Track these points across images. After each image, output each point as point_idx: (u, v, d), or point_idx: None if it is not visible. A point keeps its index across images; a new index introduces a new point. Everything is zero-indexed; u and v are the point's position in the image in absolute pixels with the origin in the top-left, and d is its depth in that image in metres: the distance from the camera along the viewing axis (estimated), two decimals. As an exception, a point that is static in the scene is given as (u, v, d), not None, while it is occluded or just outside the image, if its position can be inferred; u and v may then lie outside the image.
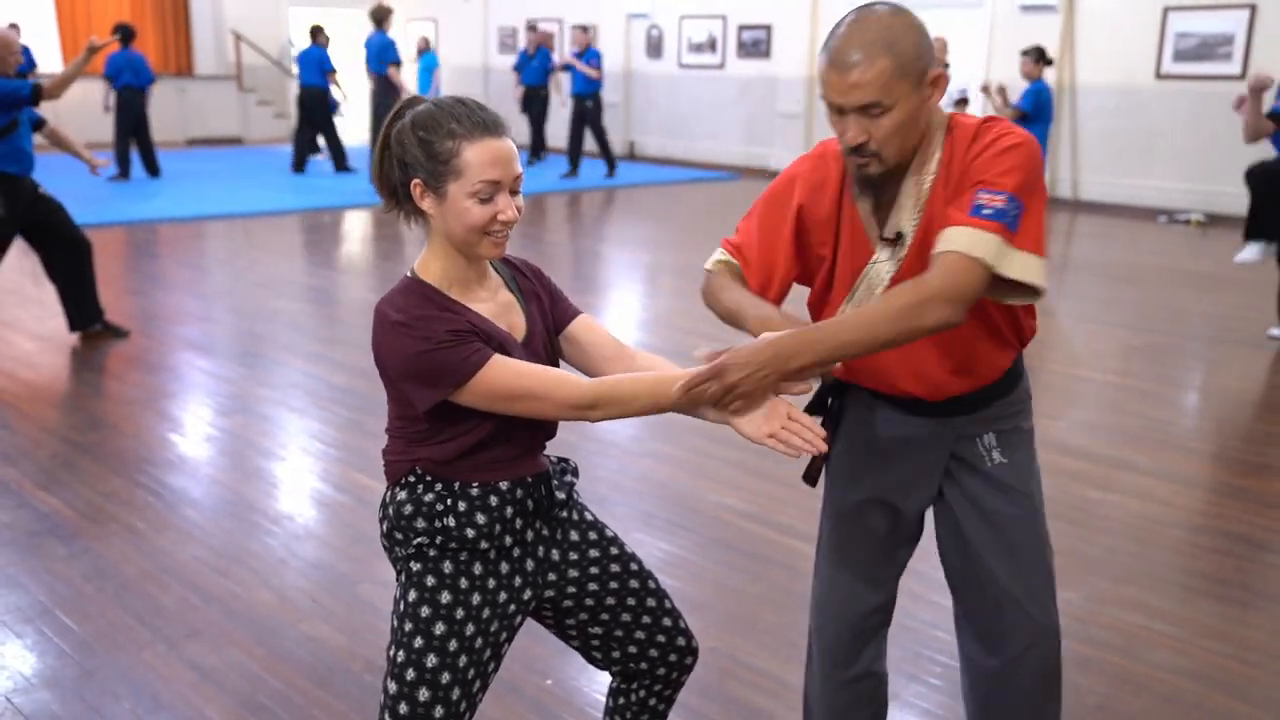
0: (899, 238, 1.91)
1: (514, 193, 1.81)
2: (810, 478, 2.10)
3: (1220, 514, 3.99)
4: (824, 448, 1.72)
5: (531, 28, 15.26)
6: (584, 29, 14.39)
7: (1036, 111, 8.43)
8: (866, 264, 1.94)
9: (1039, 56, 8.64)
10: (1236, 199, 11.16)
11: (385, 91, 12.43)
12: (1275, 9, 10.80)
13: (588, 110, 14.08)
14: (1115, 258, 9.02)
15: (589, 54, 14.00)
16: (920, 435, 2.05)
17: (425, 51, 16.23)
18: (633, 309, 7.36)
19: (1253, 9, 10.91)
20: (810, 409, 2.10)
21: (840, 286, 1.99)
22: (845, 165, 1.93)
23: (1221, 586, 3.44)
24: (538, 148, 15.37)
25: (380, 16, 12.66)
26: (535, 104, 15.01)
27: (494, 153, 1.76)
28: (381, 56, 12.45)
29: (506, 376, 1.78)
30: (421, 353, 1.76)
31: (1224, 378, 5.91)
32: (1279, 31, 10.80)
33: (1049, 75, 12.19)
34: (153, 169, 13.20)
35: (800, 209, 1.99)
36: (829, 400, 2.12)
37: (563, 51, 16.12)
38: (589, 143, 14.61)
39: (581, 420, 1.82)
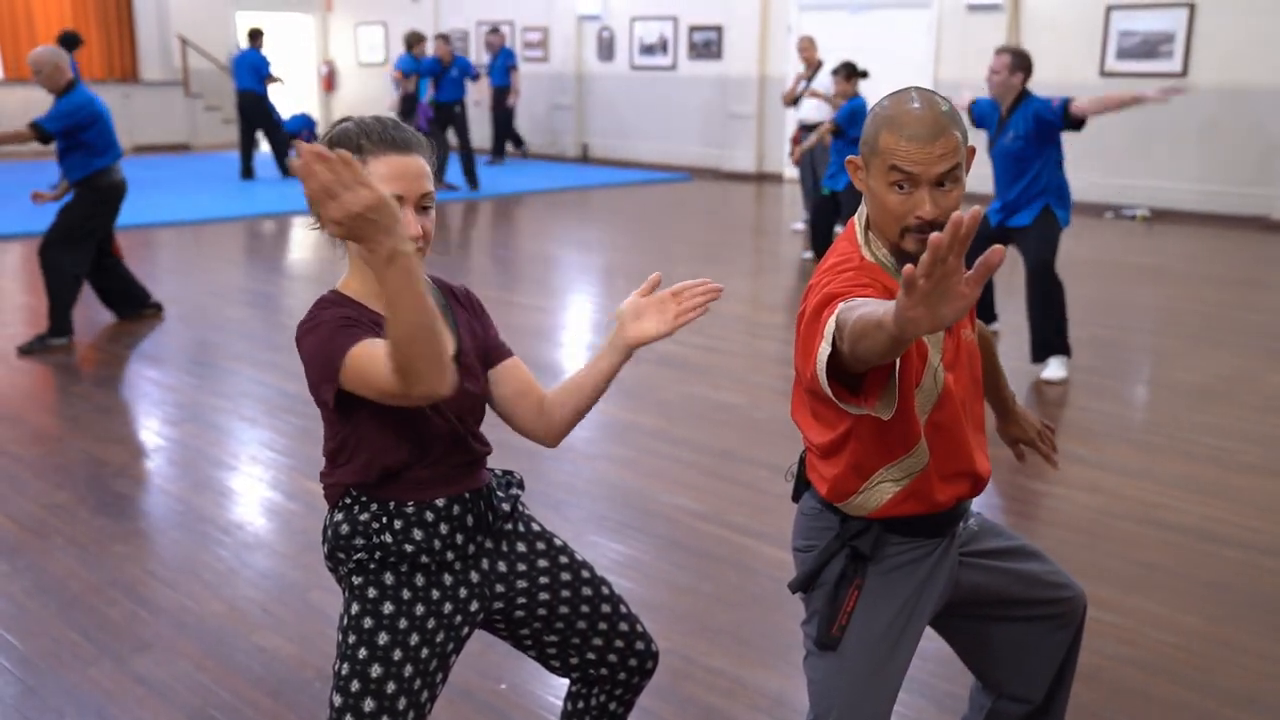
0: None
1: (423, 210, 1.80)
2: (831, 644, 1.95)
3: (1165, 504, 4.06)
4: (718, 286, 1.88)
5: (494, 31, 15.21)
6: (444, 39, 13.63)
7: (850, 125, 8.16)
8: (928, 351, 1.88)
9: (850, 72, 8.36)
10: (1180, 194, 11.37)
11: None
12: (1213, 7, 10.99)
13: (455, 117, 13.37)
14: (1062, 252, 9.12)
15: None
16: (943, 554, 2.02)
17: (422, 56, 16.07)
18: (587, 311, 7.35)
19: (1191, 7, 11.09)
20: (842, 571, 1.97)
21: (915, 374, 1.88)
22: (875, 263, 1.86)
23: (1167, 576, 3.49)
24: (499, 149, 15.74)
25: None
26: (498, 106, 15.19)
27: (398, 168, 1.76)
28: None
29: (362, 357, 1.68)
30: (320, 340, 1.76)
31: (1168, 370, 6.01)
32: (1217, 29, 11.01)
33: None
34: (98, 176, 12.98)
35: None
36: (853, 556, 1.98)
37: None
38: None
39: (402, 397, 1.62)
